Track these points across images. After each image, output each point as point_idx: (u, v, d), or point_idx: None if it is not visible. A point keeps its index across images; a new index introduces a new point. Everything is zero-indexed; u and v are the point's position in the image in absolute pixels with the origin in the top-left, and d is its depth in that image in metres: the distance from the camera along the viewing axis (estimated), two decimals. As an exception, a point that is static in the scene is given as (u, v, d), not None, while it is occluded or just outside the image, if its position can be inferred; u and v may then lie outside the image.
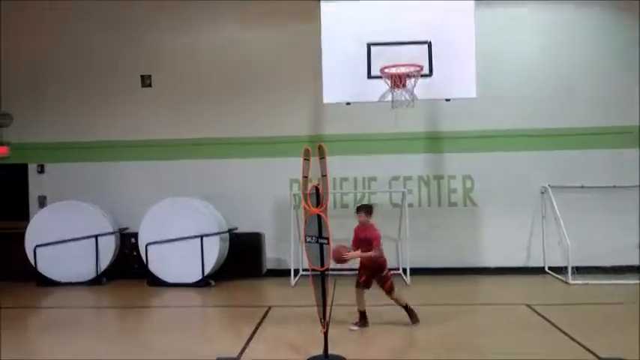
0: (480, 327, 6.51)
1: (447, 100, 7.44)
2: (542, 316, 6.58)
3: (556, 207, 8.85)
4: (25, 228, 9.45)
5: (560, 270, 8.83)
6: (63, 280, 9.24)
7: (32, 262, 9.26)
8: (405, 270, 8.95)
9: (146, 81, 10.03)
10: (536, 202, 9.41)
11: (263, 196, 9.67)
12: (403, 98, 6.91)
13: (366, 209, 6.21)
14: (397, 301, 6.24)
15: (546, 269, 9.30)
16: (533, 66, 9.46)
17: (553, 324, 6.24)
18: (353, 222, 9.28)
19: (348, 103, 7.26)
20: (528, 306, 7.09)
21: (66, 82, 10.06)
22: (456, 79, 7.05)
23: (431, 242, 9.43)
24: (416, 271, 8.94)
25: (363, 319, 6.21)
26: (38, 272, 9.24)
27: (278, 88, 9.69)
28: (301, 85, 9.51)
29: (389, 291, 6.16)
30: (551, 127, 9.39)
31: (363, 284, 6.18)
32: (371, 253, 5.96)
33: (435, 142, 9.57)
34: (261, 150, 9.73)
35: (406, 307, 6.23)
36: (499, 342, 5.77)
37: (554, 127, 9.38)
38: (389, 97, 6.92)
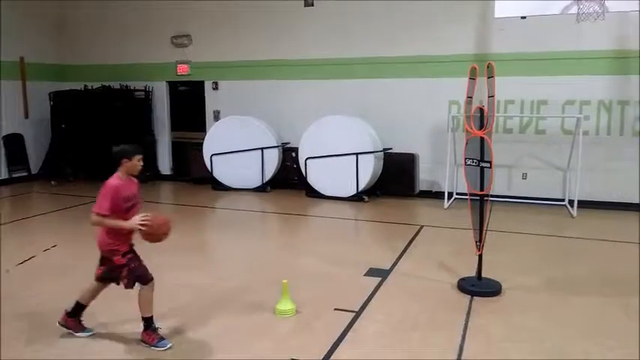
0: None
1: (648, 10, 6.34)
2: None
3: None
4: (203, 138, 10.60)
5: None
6: (233, 185, 10.30)
7: (209, 168, 10.43)
8: (571, 202, 8.29)
9: (309, 0, 10.13)
10: None
11: (419, 117, 9.47)
12: (591, 10, 6.08)
13: (143, 153, 3.93)
14: (144, 304, 3.83)
15: None
16: None
17: None
18: (516, 148, 8.88)
19: (524, 17, 6.58)
20: None
21: (236, 5, 10.55)
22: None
23: (605, 174, 8.51)
24: (584, 204, 8.24)
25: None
26: (214, 177, 10.41)
27: (442, 2, 9.10)
28: (469, -2, 8.84)
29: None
30: None
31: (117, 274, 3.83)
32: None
33: (624, 62, 8.26)
34: (420, 70, 9.41)
35: (147, 321, 3.87)
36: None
37: None
38: (574, 10, 6.15)
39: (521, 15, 6.53)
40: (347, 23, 9.82)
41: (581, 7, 6.01)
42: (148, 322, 3.86)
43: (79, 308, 3.99)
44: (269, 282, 5.02)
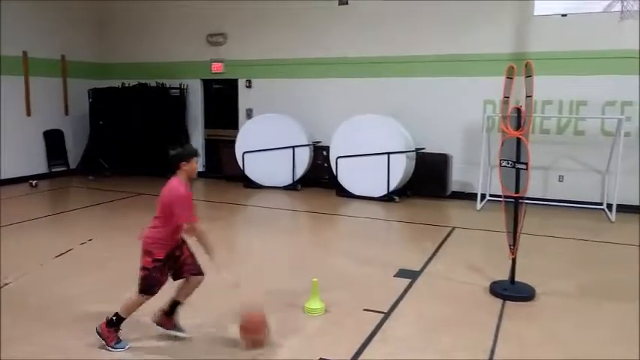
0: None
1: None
2: None
3: None
4: (236, 136, 10.70)
5: None
6: (265, 183, 10.37)
7: (241, 166, 10.53)
8: (610, 206, 8.03)
9: (343, -1, 10.12)
10: None
11: (453, 116, 9.34)
12: (635, 8, 5.86)
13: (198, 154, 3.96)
14: (128, 306, 3.79)
15: None
16: None
17: None
18: (553, 149, 8.66)
19: (564, 15, 6.39)
20: None
21: (270, 4, 10.61)
22: None
23: (647, 178, 8.23)
24: (623, 209, 7.98)
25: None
26: (245, 175, 10.50)
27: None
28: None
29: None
30: None
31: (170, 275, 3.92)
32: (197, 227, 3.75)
33: (668, 61, 7.99)
34: (454, 69, 9.27)
35: (118, 319, 3.79)
36: None
37: None
38: (617, 7, 5.94)
39: (562, 13, 6.32)
40: (380, 22, 9.76)
41: (625, 5, 5.80)
42: (118, 322, 3.78)
43: (174, 305, 3.95)
44: (298, 280, 5.02)
